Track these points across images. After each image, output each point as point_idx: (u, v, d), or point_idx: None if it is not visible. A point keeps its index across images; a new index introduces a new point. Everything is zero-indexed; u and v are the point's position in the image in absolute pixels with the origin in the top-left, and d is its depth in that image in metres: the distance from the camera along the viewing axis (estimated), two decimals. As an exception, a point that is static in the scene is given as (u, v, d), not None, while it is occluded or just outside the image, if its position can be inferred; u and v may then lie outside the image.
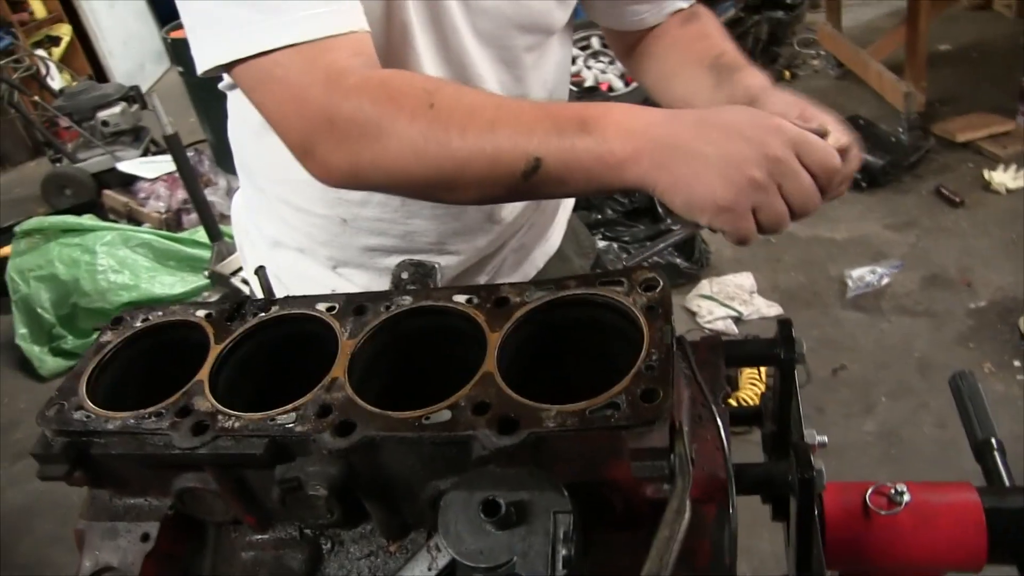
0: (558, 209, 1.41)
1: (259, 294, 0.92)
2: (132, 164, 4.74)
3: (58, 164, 5.02)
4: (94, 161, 4.87)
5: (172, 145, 3.38)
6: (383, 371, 0.82)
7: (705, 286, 3.40)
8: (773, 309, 3.25)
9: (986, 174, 3.71)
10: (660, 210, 3.54)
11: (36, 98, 5.35)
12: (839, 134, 0.89)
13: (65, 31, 6.47)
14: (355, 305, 0.83)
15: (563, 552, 0.61)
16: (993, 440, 0.96)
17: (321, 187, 0.91)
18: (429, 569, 0.67)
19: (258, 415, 0.74)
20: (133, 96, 5.05)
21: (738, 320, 3.25)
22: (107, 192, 4.71)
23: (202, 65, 0.91)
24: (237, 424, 0.74)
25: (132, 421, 0.77)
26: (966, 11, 5.09)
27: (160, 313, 0.89)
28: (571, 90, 4.22)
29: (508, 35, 1.07)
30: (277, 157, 0.97)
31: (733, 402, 2.76)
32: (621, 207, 3.57)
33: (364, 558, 0.79)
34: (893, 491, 0.87)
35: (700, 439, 0.75)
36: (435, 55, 1.03)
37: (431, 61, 1.03)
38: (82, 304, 3.64)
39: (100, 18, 6.75)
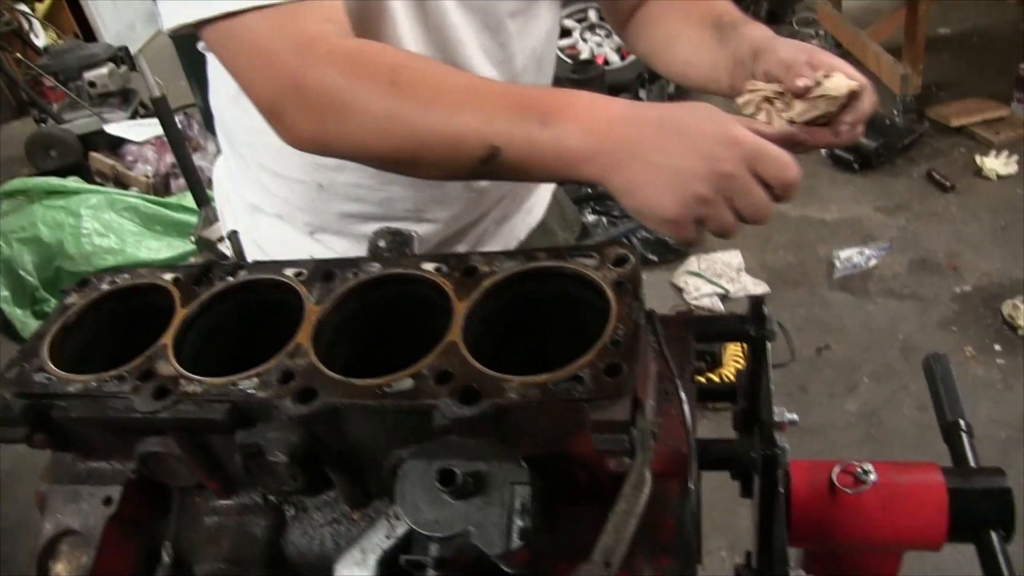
0: (541, 181, 1.39)
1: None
2: (120, 126, 4.67)
3: (43, 124, 4.92)
4: (80, 122, 4.78)
5: (159, 108, 3.33)
6: (352, 339, 0.81)
7: (693, 263, 3.40)
8: (760, 288, 3.26)
9: (978, 160, 3.70)
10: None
11: (19, 55, 5.23)
12: (849, 77, 0.90)
13: (49, -13, 6.34)
14: (323, 271, 0.82)
15: (519, 524, 0.61)
16: (962, 422, 0.97)
17: (297, 152, 0.91)
18: (387, 537, 0.67)
19: (221, 380, 0.73)
20: (121, 57, 4.97)
21: (724, 297, 3.25)
22: (93, 154, 4.64)
23: (168, 22, 0.90)
24: (199, 389, 0.73)
25: (93, 384, 0.76)
26: (968, -5, 5.06)
27: (127, 276, 0.88)
28: (566, 63, 4.20)
29: None
30: (254, 122, 0.96)
31: (716, 378, 2.77)
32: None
33: (327, 525, 0.79)
34: (860, 470, 0.88)
35: (666, 414, 0.75)
36: (413, 20, 1.01)
37: (408, 26, 1.00)
38: (66, 267, 3.60)
39: (89, -24, 6.64)
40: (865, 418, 2.70)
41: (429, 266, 0.79)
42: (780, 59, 0.93)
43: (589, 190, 3.51)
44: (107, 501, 0.80)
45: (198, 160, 3.94)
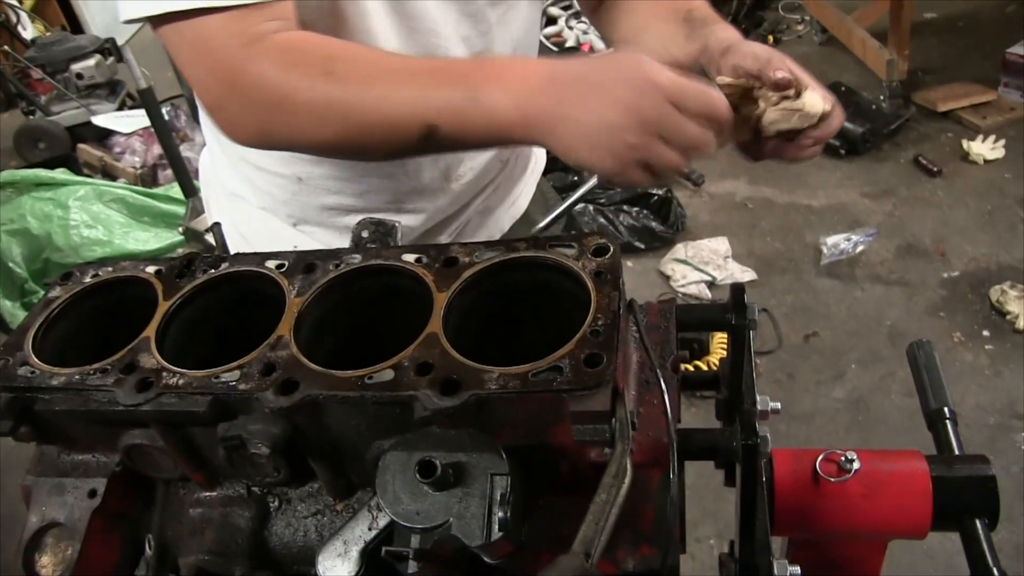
0: (525, 171, 1.39)
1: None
2: (107, 118, 4.65)
3: (31, 117, 4.90)
4: (68, 114, 4.77)
5: (146, 99, 3.32)
6: (334, 330, 0.82)
7: (680, 250, 3.40)
8: (747, 275, 3.26)
9: (965, 144, 3.71)
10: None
11: (6, 48, 5.21)
12: (817, 98, 0.91)
13: (35, -21, 6.29)
14: (305, 263, 0.82)
15: (499, 514, 0.62)
16: (946, 409, 0.97)
17: None
18: (369, 529, 0.67)
19: (203, 372, 0.73)
20: (108, 49, 4.94)
21: (712, 285, 3.25)
22: (81, 146, 4.63)
23: (124, 14, 0.93)
24: (181, 381, 0.73)
25: (77, 377, 0.76)
26: (953, -20, 5.05)
27: (110, 269, 0.88)
28: (552, 51, 4.19)
29: None
30: None
31: (704, 367, 2.77)
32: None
33: (311, 516, 0.79)
34: (843, 459, 0.88)
35: (647, 404, 0.75)
36: (388, 10, 1.00)
37: (384, 16, 1.00)
38: (55, 259, 3.59)
39: (75, -33, 6.58)
40: (852, 405, 2.71)
41: (410, 257, 0.79)
42: (754, 53, 0.93)
43: (575, 178, 3.51)
44: (92, 494, 0.80)
45: (185, 151, 3.93)
